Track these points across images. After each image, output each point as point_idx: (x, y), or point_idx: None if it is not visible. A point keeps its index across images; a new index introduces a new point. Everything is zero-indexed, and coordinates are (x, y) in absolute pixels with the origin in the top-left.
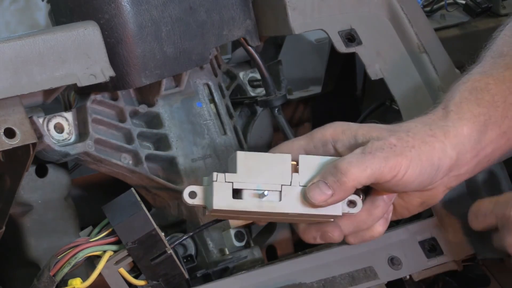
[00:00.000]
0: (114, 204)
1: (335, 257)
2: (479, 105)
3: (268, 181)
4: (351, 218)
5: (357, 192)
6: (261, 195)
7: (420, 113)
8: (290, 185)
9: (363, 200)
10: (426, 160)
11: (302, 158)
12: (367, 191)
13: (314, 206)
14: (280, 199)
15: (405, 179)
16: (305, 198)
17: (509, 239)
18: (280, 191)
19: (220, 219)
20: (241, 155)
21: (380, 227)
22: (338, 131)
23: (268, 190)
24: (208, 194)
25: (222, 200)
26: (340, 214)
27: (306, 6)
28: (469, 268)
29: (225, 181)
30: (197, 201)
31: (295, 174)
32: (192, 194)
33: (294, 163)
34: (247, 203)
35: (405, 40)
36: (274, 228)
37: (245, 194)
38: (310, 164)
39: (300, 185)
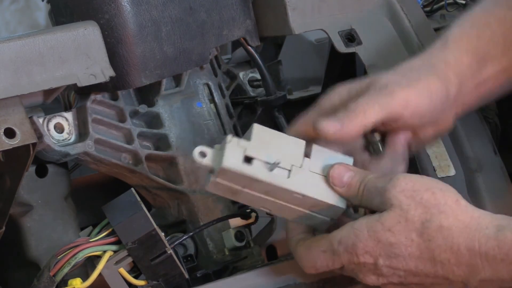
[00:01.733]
0: (114, 204)
1: None
2: (479, 39)
3: (279, 158)
4: (377, 168)
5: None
6: (271, 167)
7: None
8: (301, 167)
9: (382, 145)
10: (434, 88)
11: (316, 148)
12: (383, 140)
13: (328, 137)
14: (289, 177)
15: (418, 110)
16: (315, 128)
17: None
18: (290, 170)
19: (220, 220)
20: (258, 128)
21: (401, 169)
22: (343, 94)
23: (278, 165)
24: (219, 157)
25: (232, 160)
26: (344, 207)
27: (306, 6)
28: None
29: (238, 145)
30: (206, 161)
31: (306, 159)
32: (202, 154)
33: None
34: (256, 170)
35: (405, 40)
36: (274, 228)
37: (255, 162)
38: (323, 155)
39: (309, 170)
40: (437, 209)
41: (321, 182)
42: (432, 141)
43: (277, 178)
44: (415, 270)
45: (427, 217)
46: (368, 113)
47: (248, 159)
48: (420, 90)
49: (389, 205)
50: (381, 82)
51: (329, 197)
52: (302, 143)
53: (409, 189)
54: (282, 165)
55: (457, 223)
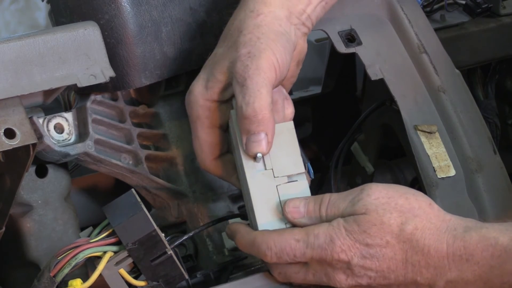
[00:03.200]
0: (114, 205)
1: None
2: None
3: (271, 159)
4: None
5: None
6: (256, 158)
7: (420, 113)
8: (274, 178)
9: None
10: (277, 36)
11: (300, 183)
12: None
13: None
14: (256, 172)
15: (283, 64)
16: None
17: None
18: (265, 170)
19: (220, 220)
20: (288, 125)
21: (289, 109)
22: (205, 107)
23: (263, 162)
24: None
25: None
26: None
27: None
28: None
29: None
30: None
31: (286, 180)
32: None
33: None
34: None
35: (405, 40)
36: None
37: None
38: (299, 189)
39: (276, 186)
40: (411, 213)
41: (269, 201)
42: (298, 71)
43: (248, 162)
44: (387, 271)
45: (402, 220)
46: (264, 103)
47: None
48: (275, 49)
49: (364, 210)
50: (238, 66)
51: (259, 215)
52: (301, 168)
53: (383, 196)
54: (266, 162)
55: (429, 225)
